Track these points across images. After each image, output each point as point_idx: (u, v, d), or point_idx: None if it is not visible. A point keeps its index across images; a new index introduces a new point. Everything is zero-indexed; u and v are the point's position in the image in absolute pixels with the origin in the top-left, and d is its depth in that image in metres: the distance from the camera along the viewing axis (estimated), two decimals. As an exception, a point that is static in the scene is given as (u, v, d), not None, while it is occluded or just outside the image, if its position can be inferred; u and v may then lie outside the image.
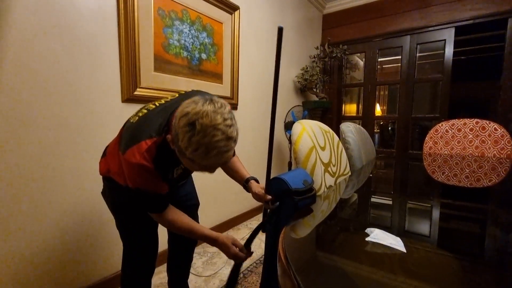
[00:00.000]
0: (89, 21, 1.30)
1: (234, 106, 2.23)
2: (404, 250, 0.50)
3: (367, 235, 0.56)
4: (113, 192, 0.95)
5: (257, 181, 1.01)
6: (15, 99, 1.09)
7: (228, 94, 2.14)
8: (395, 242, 0.51)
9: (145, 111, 0.83)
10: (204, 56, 1.91)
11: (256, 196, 0.96)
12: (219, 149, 0.64)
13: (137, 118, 0.82)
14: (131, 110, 1.51)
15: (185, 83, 1.79)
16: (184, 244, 1.23)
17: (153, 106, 0.84)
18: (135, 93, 1.51)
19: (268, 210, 0.91)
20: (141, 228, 0.96)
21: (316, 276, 0.48)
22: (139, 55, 1.50)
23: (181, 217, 0.86)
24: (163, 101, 0.86)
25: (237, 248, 0.85)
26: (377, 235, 0.54)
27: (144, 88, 1.55)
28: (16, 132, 1.10)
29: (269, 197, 0.89)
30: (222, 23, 2.02)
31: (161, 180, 0.81)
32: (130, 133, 0.79)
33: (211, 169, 0.72)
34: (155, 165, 0.75)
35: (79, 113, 1.30)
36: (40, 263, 1.20)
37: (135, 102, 1.53)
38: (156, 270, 1.61)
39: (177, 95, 0.89)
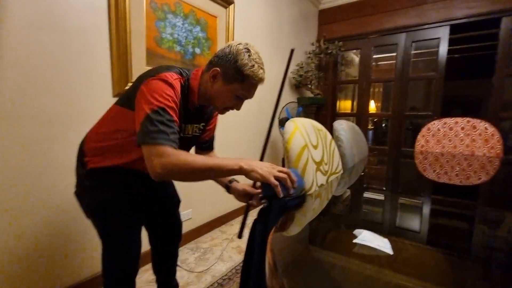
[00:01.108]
0: (79, 14, 1.27)
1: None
2: (391, 252, 0.51)
3: (355, 236, 0.56)
4: (95, 190, 0.89)
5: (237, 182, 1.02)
6: (3, 95, 1.06)
7: (222, 89, 2.12)
8: (383, 244, 0.52)
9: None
10: (198, 50, 1.88)
11: (241, 192, 0.96)
12: (263, 69, 0.87)
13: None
14: (122, 105, 1.49)
15: (178, 78, 1.76)
16: (167, 241, 1.19)
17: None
18: (127, 87, 1.48)
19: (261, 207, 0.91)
20: (125, 228, 0.91)
21: (303, 278, 0.48)
22: (130, 49, 1.47)
23: (196, 156, 0.76)
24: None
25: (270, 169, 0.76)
26: (365, 237, 0.54)
27: (136, 82, 1.52)
28: (4, 128, 1.08)
29: (257, 190, 0.90)
30: (216, 17, 1.99)
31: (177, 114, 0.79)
32: (158, 67, 0.84)
33: (247, 92, 0.88)
34: (181, 96, 0.82)
35: (69, 108, 1.27)
36: (28, 260, 1.18)
37: (127, 97, 1.51)
38: (142, 269, 1.62)
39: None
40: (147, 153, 0.72)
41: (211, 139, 1.13)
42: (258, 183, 0.91)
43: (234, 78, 0.83)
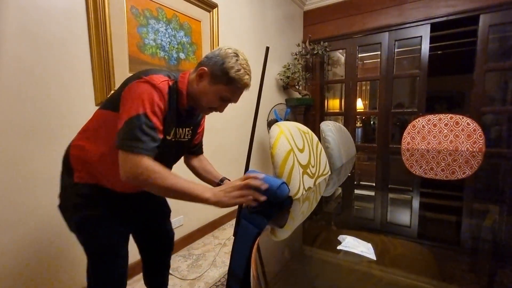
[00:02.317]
0: (56, 22, 1.23)
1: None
2: (374, 257, 0.51)
3: (339, 242, 0.56)
4: (80, 205, 0.86)
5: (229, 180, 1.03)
6: (-25, 107, 1.02)
7: (209, 94, 2.10)
8: (366, 250, 0.52)
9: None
10: (182, 55, 1.86)
11: None
12: (249, 76, 0.90)
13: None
14: (105, 114, 1.46)
15: (163, 84, 1.74)
16: (158, 252, 1.15)
17: None
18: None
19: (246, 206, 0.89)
20: (111, 243, 0.89)
21: (289, 286, 0.48)
22: (112, 56, 1.44)
23: (162, 167, 0.74)
24: None
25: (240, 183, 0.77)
26: (349, 243, 0.55)
27: (119, 90, 1.49)
28: (-22, 143, 1.04)
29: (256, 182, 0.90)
30: (200, 21, 1.97)
31: (162, 120, 0.79)
32: (144, 70, 0.83)
33: (233, 95, 0.89)
34: (168, 100, 0.81)
35: (51, 119, 1.24)
36: (8, 278, 1.14)
37: (110, 105, 1.48)
38: (134, 279, 1.59)
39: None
40: (122, 158, 0.72)
41: (200, 143, 1.13)
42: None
43: (220, 79, 0.85)
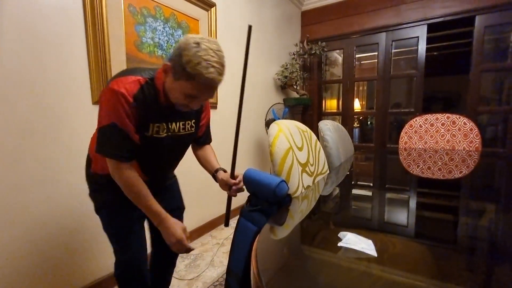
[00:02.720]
0: (53, 19, 1.22)
1: (214, 106, 2.19)
2: (375, 254, 0.51)
3: (340, 239, 0.56)
4: (98, 192, 0.98)
5: (225, 171, 1.09)
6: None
7: (206, 93, 2.10)
8: (367, 246, 0.52)
9: None
10: (180, 54, 1.85)
11: (222, 181, 1.02)
12: (216, 69, 0.75)
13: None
14: (103, 113, 1.45)
15: (160, 83, 1.73)
16: (167, 245, 1.18)
17: None
18: (107, 94, 1.44)
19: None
20: (125, 222, 0.96)
21: (288, 285, 0.48)
22: (109, 54, 1.43)
23: (138, 180, 0.86)
24: None
25: (183, 236, 0.90)
26: (349, 240, 0.54)
27: (117, 89, 1.48)
28: (-28, 141, 1.02)
29: (233, 181, 0.97)
30: (198, 20, 1.97)
31: (135, 122, 0.82)
32: (119, 73, 0.84)
33: (199, 92, 0.79)
34: (135, 101, 0.79)
35: (46, 117, 1.22)
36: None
37: (107, 104, 1.46)
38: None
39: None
40: (107, 161, 0.85)
41: (204, 134, 1.13)
42: (237, 174, 1.02)
43: (180, 74, 0.77)
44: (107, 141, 0.81)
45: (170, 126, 0.91)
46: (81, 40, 1.34)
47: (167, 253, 1.16)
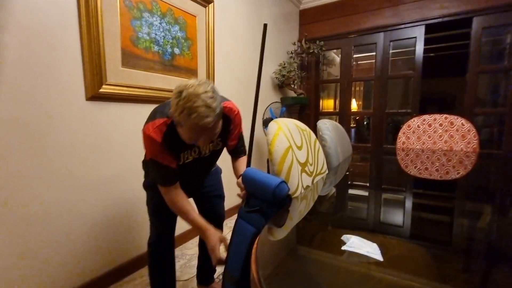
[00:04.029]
0: (45, 11, 1.18)
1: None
2: (381, 258, 0.49)
3: (344, 242, 0.54)
4: (145, 176, 1.22)
5: None
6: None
7: (203, 90, 2.06)
8: (372, 250, 0.50)
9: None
10: (177, 50, 1.81)
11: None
12: (199, 113, 0.78)
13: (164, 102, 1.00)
14: (97, 109, 1.41)
15: (157, 79, 1.69)
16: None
17: None
18: (101, 90, 1.40)
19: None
20: (162, 203, 1.07)
21: (288, 287, 0.45)
22: (104, 49, 1.39)
23: (181, 197, 1.03)
24: None
25: (221, 245, 1.00)
26: (354, 243, 0.52)
27: (112, 85, 1.44)
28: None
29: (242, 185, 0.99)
30: (195, 16, 1.93)
31: (170, 154, 0.96)
32: (152, 112, 0.98)
33: (195, 134, 0.85)
34: (164, 141, 0.92)
35: (38, 113, 1.18)
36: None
37: (102, 100, 1.42)
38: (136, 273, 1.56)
39: None
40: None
41: (236, 148, 1.19)
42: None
43: (175, 122, 0.86)
44: (153, 171, 1.02)
45: (198, 150, 1.06)
46: (75, 33, 1.29)
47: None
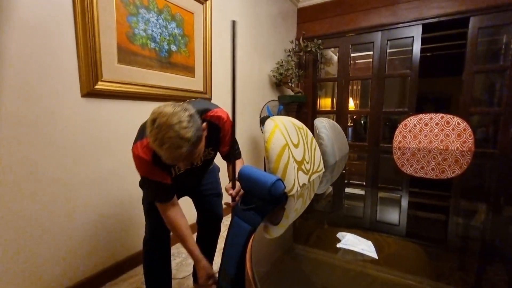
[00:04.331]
0: (40, 7, 1.16)
1: (208, 100, 2.15)
2: (375, 256, 0.49)
3: (339, 240, 0.54)
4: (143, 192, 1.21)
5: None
6: None
7: (200, 88, 2.05)
8: (367, 248, 0.50)
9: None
10: (174, 47, 1.80)
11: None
12: (170, 144, 0.77)
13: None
14: (93, 106, 1.39)
15: (154, 77, 1.68)
16: (207, 227, 1.38)
17: None
18: (97, 86, 1.38)
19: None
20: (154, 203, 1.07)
21: (283, 285, 0.45)
22: (99, 45, 1.37)
23: (179, 219, 1.02)
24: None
25: (210, 281, 1.01)
26: (348, 241, 0.52)
27: (107, 81, 1.43)
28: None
29: (231, 191, 0.98)
30: (192, 13, 1.92)
31: (162, 170, 0.95)
32: (139, 130, 0.97)
33: (170, 161, 0.84)
34: (154, 159, 0.91)
35: (31, 110, 1.16)
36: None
37: (98, 97, 1.41)
38: (128, 274, 1.55)
39: (187, 101, 1.03)
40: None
41: (229, 152, 1.15)
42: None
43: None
44: (148, 189, 1.07)
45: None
46: (70, 29, 1.28)
47: (207, 234, 1.40)
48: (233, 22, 0.84)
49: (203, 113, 1.00)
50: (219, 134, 1.06)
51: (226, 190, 1.00)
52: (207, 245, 1.39)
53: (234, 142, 1.14)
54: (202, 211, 1.37)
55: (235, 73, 0.89)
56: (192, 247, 1.02)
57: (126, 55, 1.51)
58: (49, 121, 1.23)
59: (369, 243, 0.52)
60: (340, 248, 0.52)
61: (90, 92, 1.36)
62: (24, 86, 1.14)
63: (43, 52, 1.19)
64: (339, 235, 0.56)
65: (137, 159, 0.93)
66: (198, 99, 1.13)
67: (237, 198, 0.97)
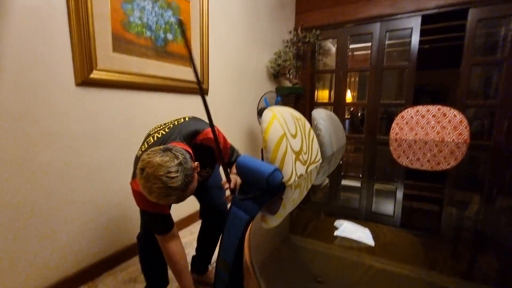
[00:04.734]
0: (29, -9, 1.12)
1: (204, 91, 2.13)
2: (372, 243, 0.50)
3: (336, 228, 0.54)
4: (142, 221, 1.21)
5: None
6: None
7: (197, 78, 2.02)
8: (364, 235, 0.50)
9: (146, 145, 0.99)
10: (170, 36, 1.77)
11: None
12: (158, 194, 0.79)
13: (140, 152, 0.98)
14: (87, 95, 1.37)
15: (150, 66, 1.65)
16: (210, 221, 1.37)
17: (152, 140, 0.98)
18: (92, 76, 1.36)
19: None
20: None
21: (281, 275, 0.46)
22: (93, 33, 1.34)
23: (178, 254, 1.02)
24: (164, 132, 1.00)
25: None
26: (346, 228, 0.53)
27: (103, 70, 1.40)
28: None
29: (227, 185, 0.99)
30: (189, 1, 1.88)
31: (160, 204, 0.92)
32: (134, 165, 0.96)
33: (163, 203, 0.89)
34: None
35: (24, 99, 1.14)
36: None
37: (93, 86, 1.39)
38: (118, 268, 1.56)
39: (176, 123, 1.05)
40: None
41: (230, 160, 1.16)
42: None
43: None
44: (147, 220, 1.06)
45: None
46: (63, 17, 1.24)
47: (210, 227, 1.39)
48: (179, 21, 0.82)
49: (193, 138, 0.99)
50: (213, 154, 1.05)
51: (223, 186, 1.00)
52: (209, 239, 1.40)
53: (233, 150, 1.16)
54: (205, 204, 1.36)
55: (198, 76, 0.88)
56: (187, 283, 1.04)
57: (121, 44, 1.48)
58: (43, 110, 1.21)
59: (366, 230, 0.53)
60: (337, 236, 0.52)
61: (85, 81, 1.34)
62: (16, 74, 1.11)
63: (35, 40, 1.16)
64: (337, 223, 0.56)
65: (136, 194, 0.94)
66: (187, 118, 1.09)
67: (236, 188, 0.97)
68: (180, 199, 0.86)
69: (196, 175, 0.90)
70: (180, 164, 0.80)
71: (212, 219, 1.37)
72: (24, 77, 1.13)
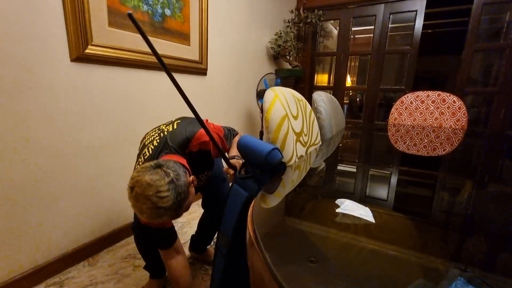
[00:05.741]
0: (18, -44, 1.06)
1: (203, 72, 2.08)
2: (373, 220, 0.51)
3: (337, 205, 0.55)
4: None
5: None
6: None
7: (196, 57, 1.98)
8: (365, 213, 0.51)
9: (142, 159, 0.95)
10: (168, 12, 1.70)
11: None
12: (149, 214, 0.76)
13: (138, 166, 0.96)
14: (83, 71, 1.33)
15: (146, 43, 1.59)
16: (212, 209, 1.36)
17: (148, 154, 0.94)
18: (87, 51, 1.31)
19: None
20: None
21: (284, 249, 0.47)
22: (88, 5, 1.28)
23: (182, 271, 1.01)
24: (156, 143, 0.95)
25: None
26: (347, 206, 0.54)
27: (98, 46, 1.35)
28: None
29: (231, 171, 0.97)
30: (188, -25, 1.79)
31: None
32: None
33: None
34: None
35: (17, 74, 1.10)
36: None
37: (89, 62, 1.35)
38: (117, 245, 1.59)
39: (165, 130, 0.99)
40: None
41: (229, 143, 1.14)
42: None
43: None
44: (151, 234, 1.01)
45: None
46: (55, -14, 1.18)
47: (212, 215, 1.38)
48: (130, 15, 0.71)
49: (186, 147, 0.94)
50: (210, 154, 1.03)
51: (227, 171, 0.99)
52: (210, 226, 1.40)
53: (227, 136, 1.10)
54: (207, 194, 1.34)
55: (170, 74, 0.83)
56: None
57: (117, 18, 1.42)
58: (36, 86, 1.17)
59: (367, 209, 0.54)
60: (338, 213, 0.53)
61: (80, 56, 1.29)
62: (8, 48, 1.07)
63: (28, 12, 1.10)
64: (338, 201, 0.57)
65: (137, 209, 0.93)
66: (175, 124, 1.02)
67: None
68: (174, 217, 0.84)
69: (192, 190, 0.86)
70: (171, 182, 0.76)
71: (215, 211, 1.35)
72: (16, 51, 1.09)
